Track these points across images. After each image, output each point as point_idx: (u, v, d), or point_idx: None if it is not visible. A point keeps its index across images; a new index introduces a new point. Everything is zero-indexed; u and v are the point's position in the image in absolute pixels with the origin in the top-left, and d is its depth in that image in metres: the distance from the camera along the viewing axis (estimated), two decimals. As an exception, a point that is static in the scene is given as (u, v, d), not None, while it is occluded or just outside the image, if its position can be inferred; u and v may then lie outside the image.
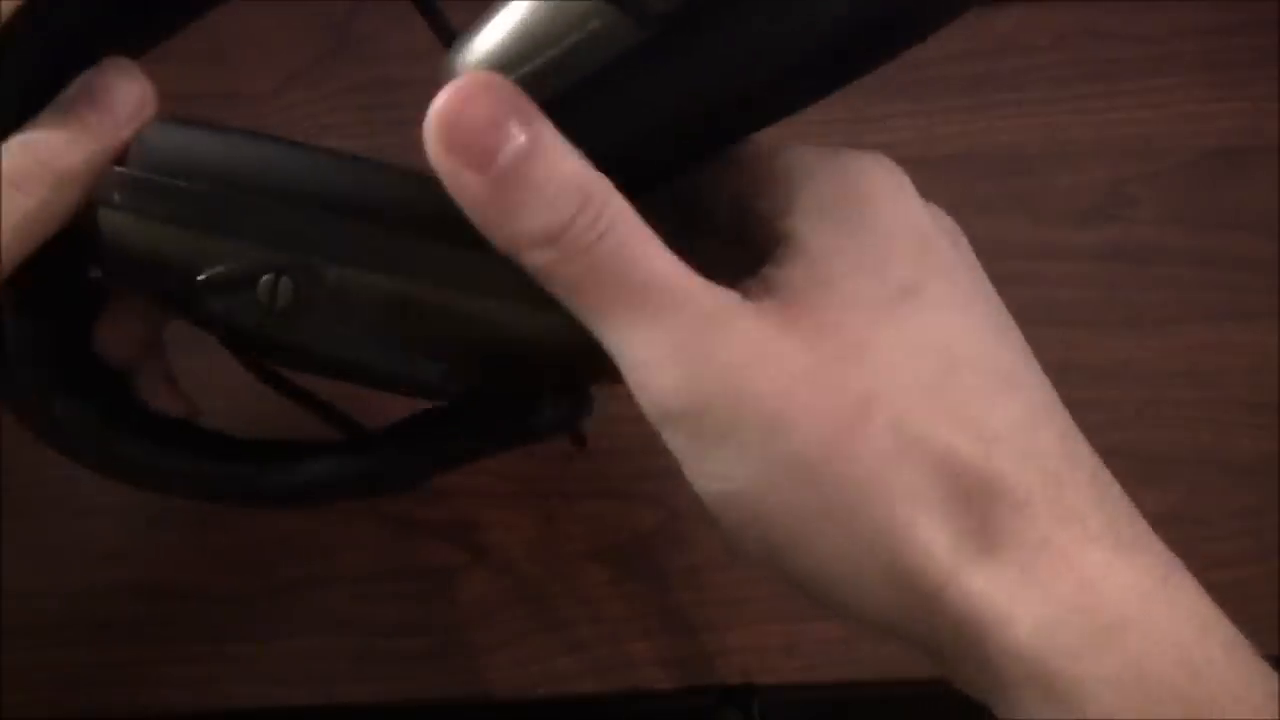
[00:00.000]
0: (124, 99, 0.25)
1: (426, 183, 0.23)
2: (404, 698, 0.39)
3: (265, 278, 0.24)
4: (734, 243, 0.25)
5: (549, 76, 0.22)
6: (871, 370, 0.21)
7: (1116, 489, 0.23)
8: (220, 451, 0.30)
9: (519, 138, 0.21)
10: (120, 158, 0.25)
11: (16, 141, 0.24)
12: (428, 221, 0.24)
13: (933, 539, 0.20)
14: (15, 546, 0.39)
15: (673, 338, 0.21)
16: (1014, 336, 0.24)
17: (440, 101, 0.22)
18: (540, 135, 0.21)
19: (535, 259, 0.21)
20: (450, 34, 0.27)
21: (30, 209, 0.24)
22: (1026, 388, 0.23)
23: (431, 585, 0.40)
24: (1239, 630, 0.23)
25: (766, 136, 0.25)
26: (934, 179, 0.42)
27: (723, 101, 0.23)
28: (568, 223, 0.21)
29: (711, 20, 0.21)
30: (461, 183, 0.21)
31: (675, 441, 0.22)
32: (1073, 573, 0.21)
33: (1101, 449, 0.41)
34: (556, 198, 0.21)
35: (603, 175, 0.22)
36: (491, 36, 0.23)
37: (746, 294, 0.22)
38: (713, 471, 0.21)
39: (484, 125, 0.21)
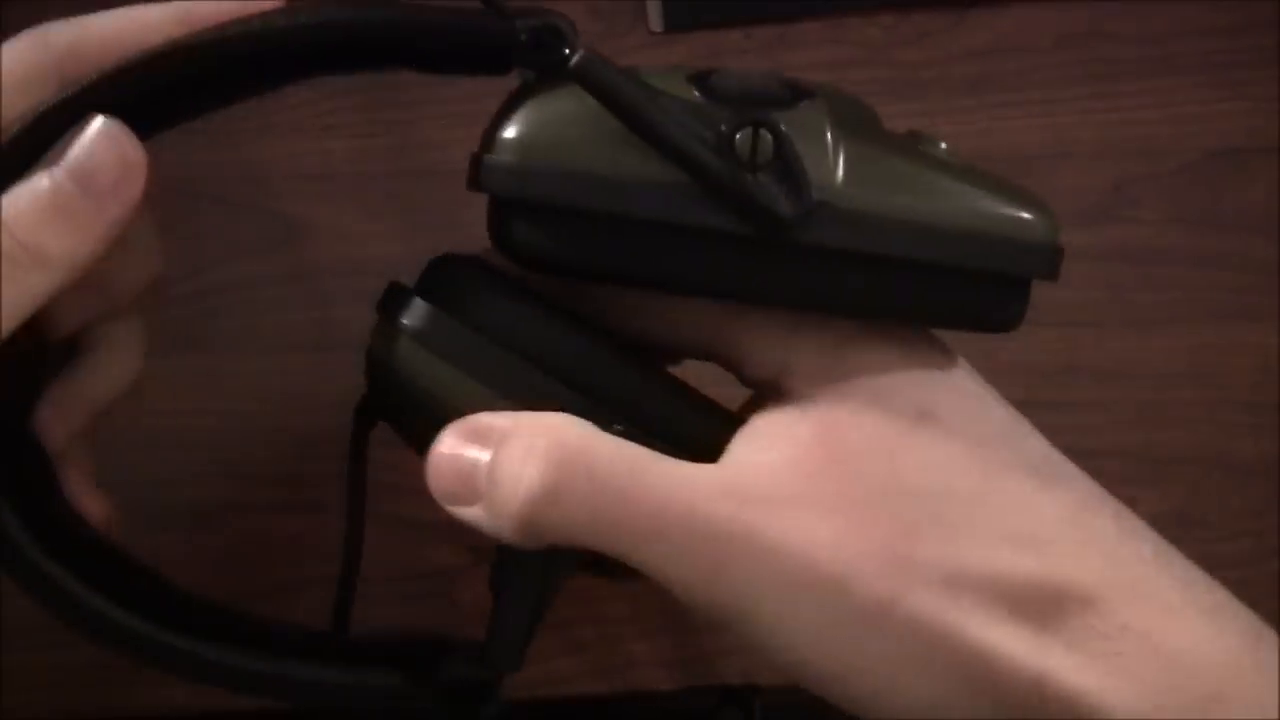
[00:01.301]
0: (110, 174, 0.22)
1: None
2: (404, 698, 0.39)
3: None
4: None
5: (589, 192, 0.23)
6: (906, 505, 0.20)
7: (1179, 556, 0.22)
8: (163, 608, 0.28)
9: (481, 459, 0.22)
10: (450, 297, 0.24)
11: None
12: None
13: (1014, 653, 0.20)
14: (16, 546, 0.39)
15: (697, 552, 0.20)
16: (1033, 431, 0.23)
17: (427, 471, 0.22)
18: (502, 443, 0.21)
19: (542, 533, 0.22)
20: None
21: (5, 293, 0.21)
22: (1066, 477, 0.22)
23: (432, 586, 0.40)
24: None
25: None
26: (935, 179, 0.42)
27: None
28: (548, 485, 0.21)
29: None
30: (472, 523, 0.22)
31: (735, 628, 0.21)
32: (1159, 653, 0.20)
33: (1103, 450, 0.41)
34: (523, 472, 0.21)
35: (567, 420, 0.22)
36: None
37: (747, 458, 0.22)
38: (779, 644, 0.21)
39: (453, 476, 0.22)
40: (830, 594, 0.20)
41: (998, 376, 0.42)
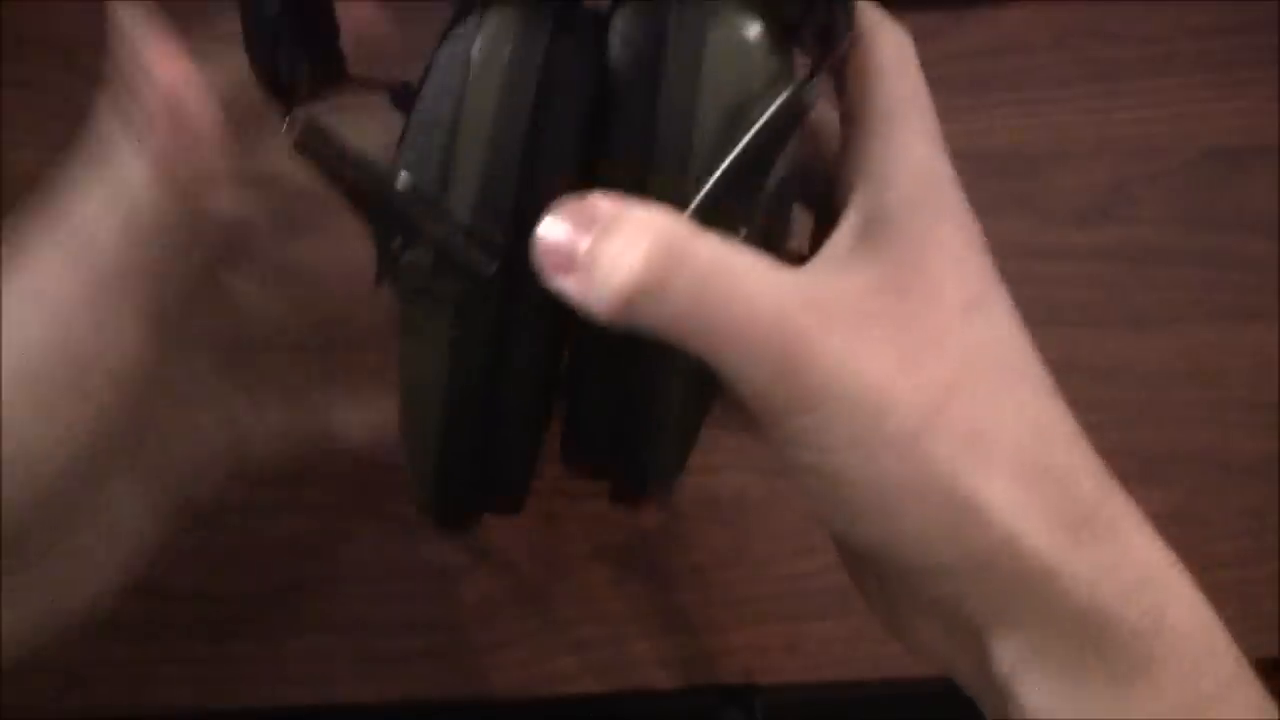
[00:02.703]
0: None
1: None
2: (405, 698, 0.39)
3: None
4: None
5: None
6: (951, 363, 0.23)
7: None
8: None
9: (585, 236, 0.23)
10: None
11: None
12: None
13: (999, 507, 0.23)
14: (16, 546, 0.39)
15: (773, 354, 0.22)
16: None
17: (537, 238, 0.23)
18: (610, 226, 0.23)
19: (637, 316, 0.22)
20: None
21: None
22: (1061, 401, 0.25)
23: (433, 585, 0.40)
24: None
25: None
26: (935, 179, 0.42)
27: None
28: (652, 271, 0.22)
29: None
30: (565, 290, 0.23)
31: (776, 426, 0.23)
32: (1118, 546, 0.24)
33: (1102, 449, 0.41)
34: (620, 260, 0.22)
35: (667, 216, 0.23)
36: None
37: (834, 262, 0.24)
38: (811, 443, 0.23)
39: (559, 239, 0.23)
40: (873, 414, 0.22)
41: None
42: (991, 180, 0.42)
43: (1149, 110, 0.43)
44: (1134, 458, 0.41)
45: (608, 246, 0.22)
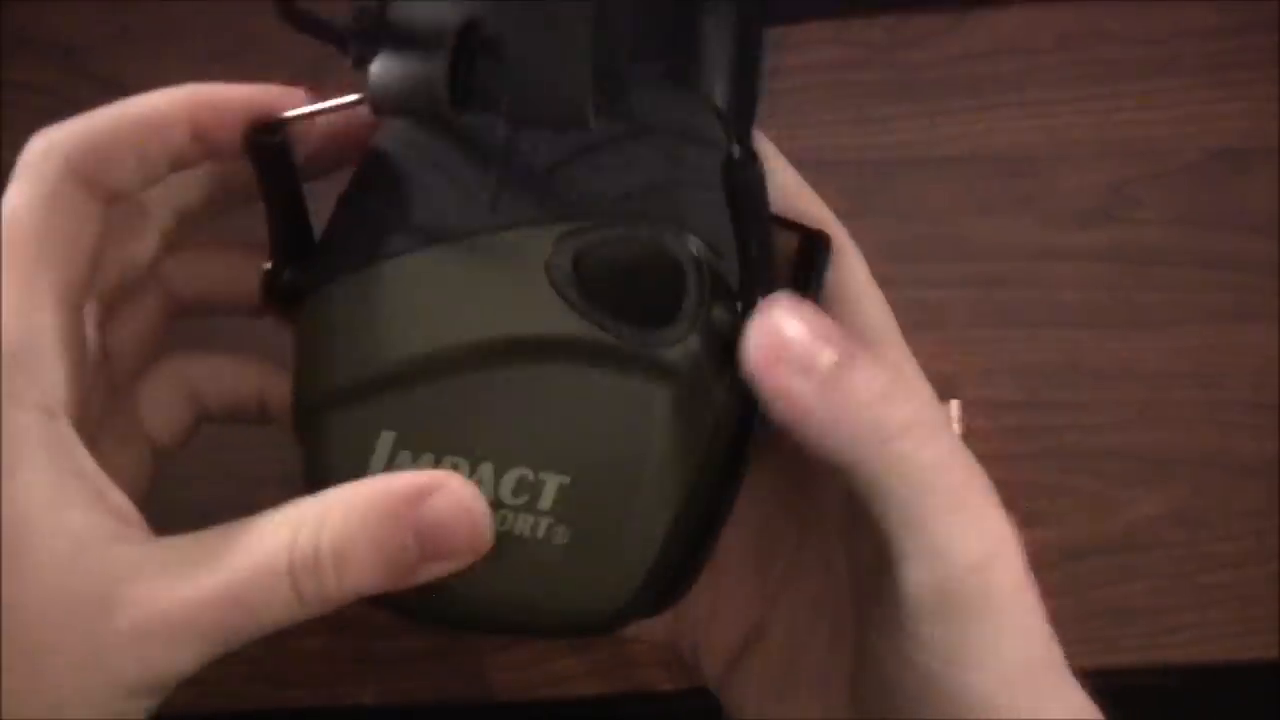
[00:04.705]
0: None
1: None
2: (405, 699, 0.39)
3: None
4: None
5: None
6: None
7: None
8: None
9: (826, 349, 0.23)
10: None
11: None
12: None
13: None
14: (17, 547, 0.39)
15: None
16: None
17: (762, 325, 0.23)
18: (850, 348, 0.23)
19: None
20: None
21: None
22: None
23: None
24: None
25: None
26: (936, 180, 0.42)
27: None
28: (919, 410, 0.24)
29: None
30: (791, 392, 0.23)
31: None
32: None
33: (1104, 450, 0.41)
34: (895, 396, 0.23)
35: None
36: None
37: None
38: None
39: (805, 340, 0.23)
40: None
41: (1000, 377, 0.43)
42: (993, 182, 0.42)
43: (1150, 111, 0.43)
44: (1135, 459, 0.41)
45: (855, 375, 0.23)
